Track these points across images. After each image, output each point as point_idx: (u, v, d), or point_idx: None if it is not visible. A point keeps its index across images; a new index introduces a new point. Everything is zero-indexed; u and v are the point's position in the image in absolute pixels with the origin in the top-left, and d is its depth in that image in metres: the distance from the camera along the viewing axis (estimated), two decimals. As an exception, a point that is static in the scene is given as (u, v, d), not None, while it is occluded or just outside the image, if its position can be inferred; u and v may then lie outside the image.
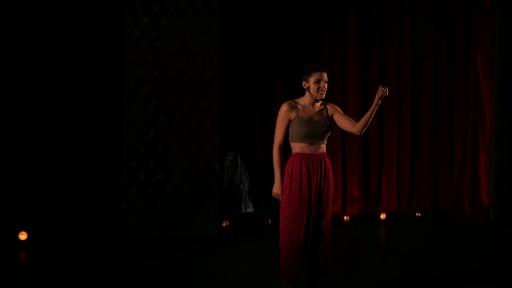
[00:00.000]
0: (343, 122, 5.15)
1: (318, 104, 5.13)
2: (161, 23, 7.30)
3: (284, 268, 5.03)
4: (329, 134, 5.13)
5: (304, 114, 5.06)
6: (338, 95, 8.53)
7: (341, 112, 5.20)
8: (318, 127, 5.06)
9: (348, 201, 8.70)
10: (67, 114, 7.17)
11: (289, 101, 5.10)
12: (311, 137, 5.05)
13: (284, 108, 5.06)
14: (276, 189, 5.08)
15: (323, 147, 5.13)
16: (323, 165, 5.08)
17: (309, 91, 5.07)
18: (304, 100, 5.11)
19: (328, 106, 5.18)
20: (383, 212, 8.90)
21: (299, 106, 5.08)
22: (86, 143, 7.23)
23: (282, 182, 5.06)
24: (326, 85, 5.07)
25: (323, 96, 5.07)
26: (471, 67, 8.89)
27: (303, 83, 5.09)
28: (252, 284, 5.84)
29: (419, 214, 9.07)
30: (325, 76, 5.06)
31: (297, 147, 5.08)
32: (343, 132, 8.60)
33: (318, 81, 5.03)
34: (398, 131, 8.90)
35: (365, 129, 5.15)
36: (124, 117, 7.20)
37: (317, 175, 5.05)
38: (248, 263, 6.64)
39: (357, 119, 8.50)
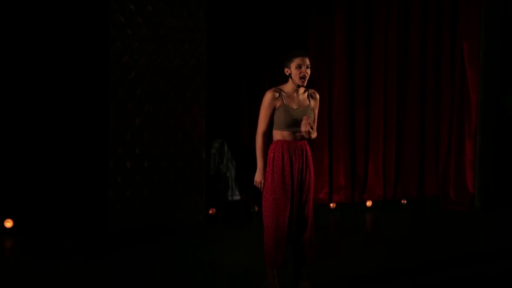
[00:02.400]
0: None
1: (301, 91, 5.09)
2: (147, 10, 7.26)
3: (269, 255, 5.04)
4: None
5: (289, 102, 5.02)
6: (325, 82, 8.54)
7: (316, 111, 5.16)
8: (302, 115, 5.02)
9: (334, 189, 8.72)
10: (53, 101, 7.12)
11: (273, 89, 5.04)
12: (295, 125, 5.02)
13: (269, 95, 5.01)
14: (259, 177, 5.05)
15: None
16: (304, 152, 5.06)
17: (291, 78, 5.02)
18: (288, 88, 5.06)
19: (312, 96, 5.14)
20: (369, 199, 8.94)
21: (283, 93, 5.04)
22: (72, 131, 7.19)
23: (264, 170, 5.04)
24: (308, 71, 5.02)
25: (305, 82, 5.02)
26: (457, 55, 8.93)
27: (285, 69, 5.04)
28: (240, 270, 5.85)
29: (405, 201, 9.12)
30: (307, 61, 5.01)
31: (279, 134, 5.04)
32: (330, 119, 8.61)
33: (299, 66, 4.98)
34: (384, 119, 8.92)
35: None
36: (110, 104, 7.17)
37: (299, 162, 5.03)
38: (235, 250, 6.65)
39: (344, 106, 8.62)
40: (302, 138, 5.07)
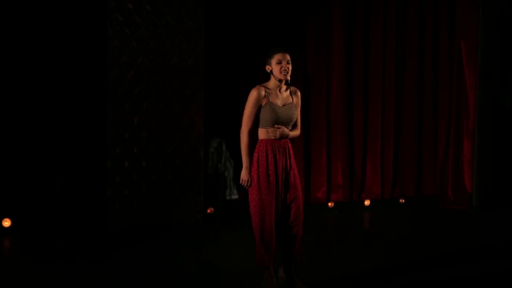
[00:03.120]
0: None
1: (284, 88, 5.11)
2: (145, 9, 7.26)
3: (259, 255, 5.05)
4: (295, 119, 5.14)
5: (274, 99, 5.03)
6: (323, 81, 8.54)
7: (299, 108, 5.19)
8: (288, 113, 5.06)
9: (332, 188, 8.72)
10: (51, 100, 7.12)
11: (258, 87, 5.04)
12: (280, 123, 5.04)
13: (255, 93, 5.01)
14: (245, 175, 5.03)
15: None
16: (287, 150, 5.09)
17: (272, 74, 5.04)
18: (271, 85, 5.08)
19: (295, 94, 5.17)
20: (367, 198, 8.94)
21: (268, 91, 5.05)
22: (70, 130, 7.19)
23: (250, 168, 5.03)
24: (289, 66, 5.04)
25: (288, 76, 5.03)
26: (455, 54, 8.93)
27: (267, 67, 5.06)
28: (237, 270, 5.86)
29: (403, 201, 9.12)
30: (287, 56, 5.03)
31: (264, 133, 5.05)
32: (328, 119, 8.61)
33: (279, 62, 4.99)
34: (382, 118, 8.92)
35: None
36: (108, 103, 7.17)
37: (283, 161, 5.05)
38: (233, 249, 6.65)
39: (341, 105, 8.62)
40: (285, 136, 5.10)
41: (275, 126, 5.03)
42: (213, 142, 7.82)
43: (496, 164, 9.10)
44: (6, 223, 7.04)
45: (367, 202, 8.94)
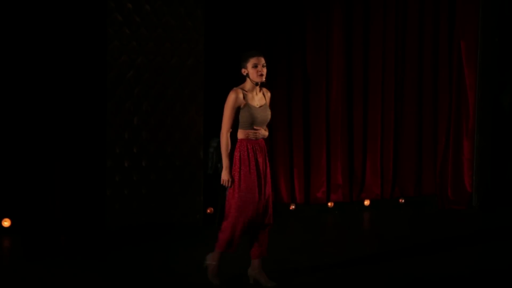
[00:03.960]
0: None
1: (258, 90, 5.32)
2: (145, 9, 7.25)
3: (227, 245, 5.28)
4: (269, 119, 5.39)
5: (251, 101, 5.26)
6: (322, 81, 8.53)
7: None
8: (264, 114, 5.31)
9: (332, 188, 8.71)
10: (50, 100, 7.11)
11: (236, 89, 5.24)
12: (258, 124, 5.27)
13: (233, 96, 5.20)
14: (226, 175, 5.26)
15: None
16: (263, 149, 5.33)
17: (249, 77, 5.25)
18: (247, 87, 5.29)
19: (266, 95, 5.41)
20: (367, 198, 8.93)
21: (245, 93, 5.25)
22: (70, 129, 7.19)
23: (231, 168, 5.23)
24: (264, 69, 5.25)
25: (263, 79, 5.25)
26: (455, 54, 8.92)
27: (242, 70, 5.28)
28: (236, 269, 5.85)
29: (403, 200, 9.12)
30: (262, 60, 5.26)
31: (244, 133, 5.26)
32: (328, 118, 8.61)
33: (255, 65, 5.22)
34: (382, 117, 8.91)
35: None
36: (108, 103, 7.16)
37: (262, 159, 5.31)
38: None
39: (341, 105, 8.61)
40: (261, 136, 5.35)
41: (254, 127, 5.26)
42: (212, 142, 7.77)
43: (496, 164, 9.10)
44: (6, 223, 7.03)
45: (367, 202, 8.93)
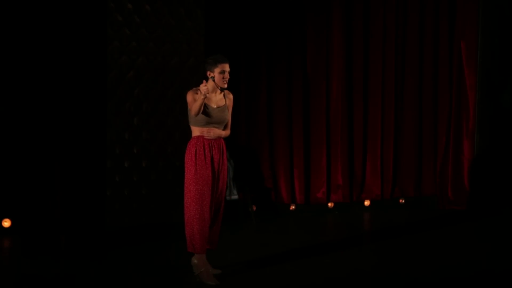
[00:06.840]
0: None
1: (218, 91, 5.57)
2: (145, 9, 7.26)
3: (197, 243, 5.43)
4: (227, 120, 5.58)
5: (208, 101, 5.48)
6: (322, 81, 8.54)
7: (230, 110, 5.64)
8: (220, 114, 5.51)
9: (332, 188, 8.72)
10: (51, 101, 7.12)
11: (194, 89, 5.47)
12: (213, 123, 5.49)
13: (190, 97, 5.43)
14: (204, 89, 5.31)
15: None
16: (221, 147, 5.56)
17: (213, 81, 5.48)
18: (208, 88, 5.43)
19: (227, 97, 5.63)
20: (367, 198, 8.94)
21: None
22: (70, 130, 7.19)
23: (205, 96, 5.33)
24: (228, 75, 5.52)
25: (226, 85, 5.52)
26: (455, 54, 8.93)
27: (208, 72, 5.50)
28: (237, 270, 5.86)
29: (403, 201, 9.12)
30: (227, 67, 5.50)
31: (198, 131, 5.50)
32: (328, 119, 8.62)
33: (223, 72, 5.47)
34: (382, 118, 8.92)
35: None
36: (108, 103, 7.17)
37: (218, 157, 5.51)
38: (233, 249, 6.65)
39: (341, 105, 8.62)
40: (215, 136, 5.53)
41: (209, 126, 5.48)
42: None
43: (496, 164, 9.10)
44: (6, 223, 7.04)
45: (367, 202, 8.94)
